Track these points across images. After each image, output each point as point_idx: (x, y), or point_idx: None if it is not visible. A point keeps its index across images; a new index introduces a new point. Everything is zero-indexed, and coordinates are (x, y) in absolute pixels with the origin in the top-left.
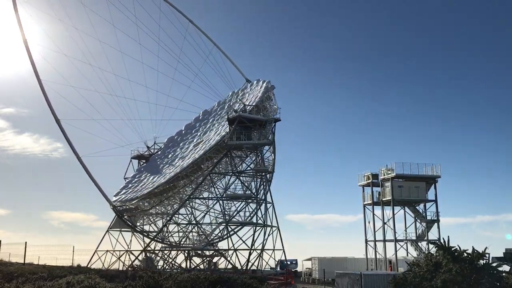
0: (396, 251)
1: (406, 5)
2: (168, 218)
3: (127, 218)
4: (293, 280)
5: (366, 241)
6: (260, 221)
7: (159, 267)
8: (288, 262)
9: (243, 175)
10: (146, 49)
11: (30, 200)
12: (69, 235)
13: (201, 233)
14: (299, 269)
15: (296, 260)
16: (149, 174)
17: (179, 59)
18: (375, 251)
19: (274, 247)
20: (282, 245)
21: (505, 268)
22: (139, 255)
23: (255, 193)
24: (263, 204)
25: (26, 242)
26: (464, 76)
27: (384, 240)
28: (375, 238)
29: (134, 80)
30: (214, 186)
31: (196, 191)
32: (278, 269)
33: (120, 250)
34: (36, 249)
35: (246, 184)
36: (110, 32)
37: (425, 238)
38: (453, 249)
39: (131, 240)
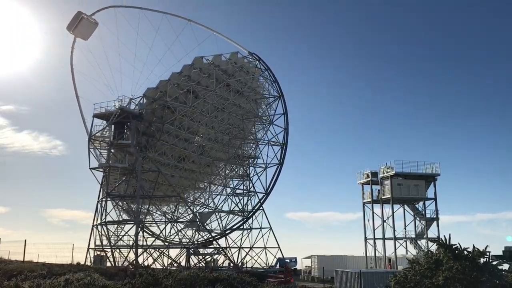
0: (395, 249)
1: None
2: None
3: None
4: (293, 278)
5: (366, 239)
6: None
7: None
8: (288, 260)
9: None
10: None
11: (29, 197)
12: (68, 233)
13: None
14: (298, 267)
15: (296, 258)
16: None
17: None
18: (375, 249)
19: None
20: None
21: (505, 266)
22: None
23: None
24: None
25: (25, 240)
26: (464, 73)
27: (384, 238)
28: (374, 236)
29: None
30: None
31: None
32: (278, 266)
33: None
34: (35, 247)
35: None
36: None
37: (425, 236)
38: (454, 247)
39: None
